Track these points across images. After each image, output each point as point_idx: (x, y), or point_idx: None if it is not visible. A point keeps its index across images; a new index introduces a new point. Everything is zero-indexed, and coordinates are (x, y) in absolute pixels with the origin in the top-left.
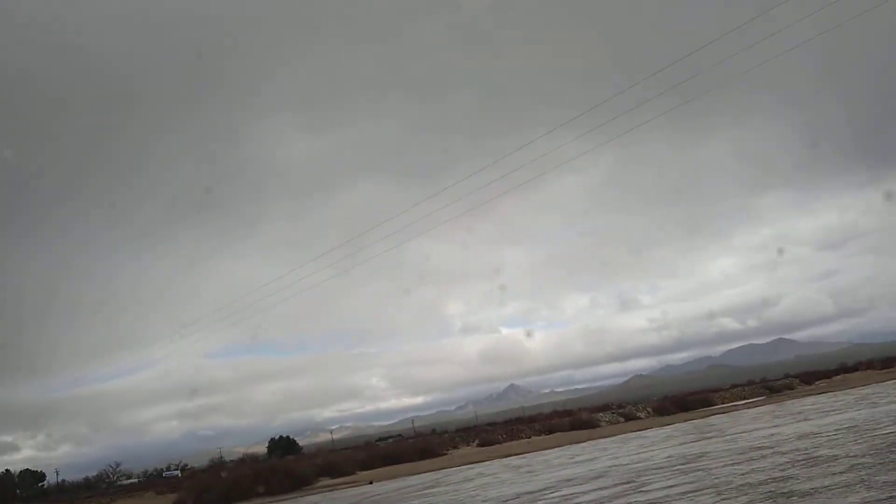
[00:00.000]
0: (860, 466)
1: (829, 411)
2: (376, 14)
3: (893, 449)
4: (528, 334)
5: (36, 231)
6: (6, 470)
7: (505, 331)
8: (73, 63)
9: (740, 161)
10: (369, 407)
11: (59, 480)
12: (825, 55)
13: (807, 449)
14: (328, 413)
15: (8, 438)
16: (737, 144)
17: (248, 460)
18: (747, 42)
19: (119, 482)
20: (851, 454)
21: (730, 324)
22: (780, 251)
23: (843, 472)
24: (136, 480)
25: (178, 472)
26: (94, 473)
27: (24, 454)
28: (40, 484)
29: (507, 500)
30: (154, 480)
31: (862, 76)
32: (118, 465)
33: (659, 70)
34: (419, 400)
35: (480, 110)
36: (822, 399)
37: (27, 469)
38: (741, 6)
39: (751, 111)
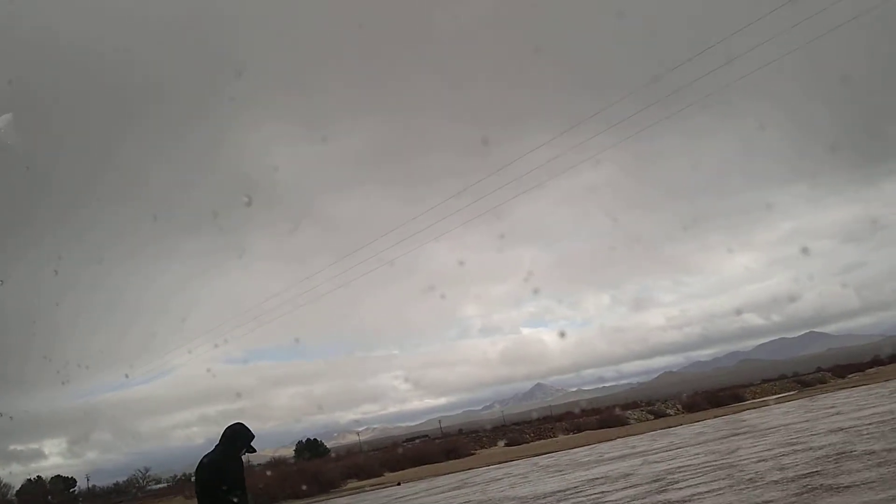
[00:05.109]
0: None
1: (863, 405)
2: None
3: None
4: (561, 335)
5: (76, 238)
6: (37, 476)
7: (525, 331)
8: (77, 70)
9: (756, 156)
10: (394, 408)
11: (90, 486)
12: (838, 52)
13: (840, 443)
14: (353, 415)
15: (35, 446)
16: (752, 139)
17: (275, 463)
18: (758, 40)
19: (149, 487)
20: (887, 448)
21: (754, 319)
22: (805, 250)
23: (878, 467)
24: (165, 485)
25: None
26: (124, 479)
27: (51, 461)
28: (71, 490)
29: (536, 499)
30: (183, 484)
31: (871, 72)
32: (147, 470)
33: (674, 67)
34: (443, 401)
35: (492, 117)
36: (855, 392)
37: (58, 475)
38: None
39: (766, 108)
